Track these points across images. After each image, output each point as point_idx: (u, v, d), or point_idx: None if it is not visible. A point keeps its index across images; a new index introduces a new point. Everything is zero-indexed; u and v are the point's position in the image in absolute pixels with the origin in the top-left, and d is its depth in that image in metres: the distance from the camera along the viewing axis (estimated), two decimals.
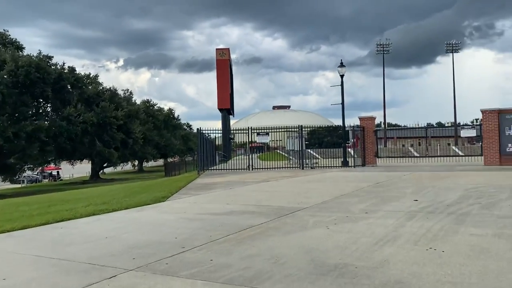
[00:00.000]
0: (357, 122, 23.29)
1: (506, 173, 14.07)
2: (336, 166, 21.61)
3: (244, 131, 22.22)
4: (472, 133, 20.12)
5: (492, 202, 7.67)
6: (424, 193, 9.42)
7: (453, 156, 24.85)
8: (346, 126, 23.52)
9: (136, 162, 67.13)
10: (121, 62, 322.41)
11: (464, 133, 20.17)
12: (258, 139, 22.26)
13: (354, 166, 21.50)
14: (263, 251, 4.88)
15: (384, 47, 75.61)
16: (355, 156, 22.58)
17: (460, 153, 40.69)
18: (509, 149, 18.26)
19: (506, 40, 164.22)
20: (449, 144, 60.52)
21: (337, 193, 10.02)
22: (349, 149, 25.92)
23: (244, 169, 21.63)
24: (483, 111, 18.86)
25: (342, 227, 6.07)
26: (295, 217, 6.99)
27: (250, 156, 22.64)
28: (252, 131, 22.03)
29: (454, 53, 72.61)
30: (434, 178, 13.26)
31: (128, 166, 65.98)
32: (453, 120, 73.99)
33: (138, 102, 60.24)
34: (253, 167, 21.80)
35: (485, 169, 16.31)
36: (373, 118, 23.42)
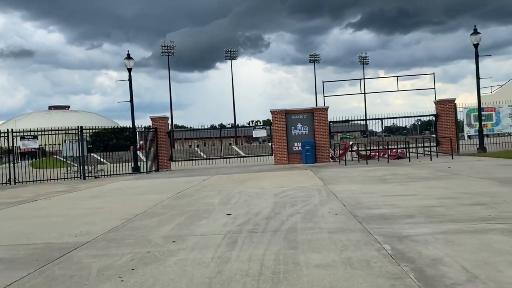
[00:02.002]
0: (146, 124, 21.41)
1: (299, 172, 14.52)
2: (126, 173, 19.18)
3: (4, 135, 17.50)
4: (263, 133, 20.83)
5: (311, 211, 6.96)
6: (234, 203, 8.25)
7: (238, 157, 25.53)
8: (136, 126, 21.27)
9: None
10: None
11: (256, 133, 20.69)
12: (23, 144, 17.88)
13: (147, 172, 19.54)
14: None
15: (169, 49, 75.60)
16: (147, 160, 20.61)
17: (241, 153, 43.30)
18: (295, 148, 19.43)
19: (272, 52, 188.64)
20: (230, 144, 64.54)
21: (130, 212, 7.93)
22: (139, 152, 23.78)
23: (4, 183, 16.99)
24: (272, 112, 19.58)
25: (144, 274, 4.12)
26: (69, 264, 4.66)
27: (14, 165, 17.98)
28: (15, 134, 17.53)
29: (232, 60, 77.99)
30: (236, 182, 12.52)
31: None
32: (233, 122, 79.47)
33: None
34: (18, 180, 17.37)
35: (278, 169, 16.73)
36: (165, 118, 21.94)
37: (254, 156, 22.80)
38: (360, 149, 18.96)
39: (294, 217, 6.52)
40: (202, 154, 50.91)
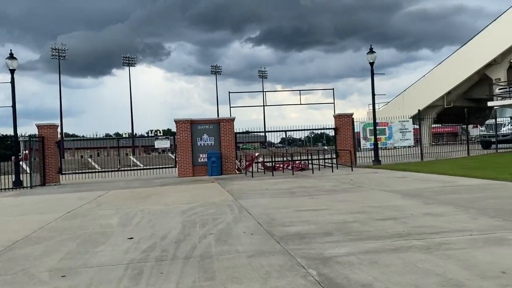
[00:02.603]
0: (34, 132, 19.13)
1: (206, 185, 13.92)
2: (6, 189, 16.79)
3: None
4: (166, 144, 19.86)
5: (225, 230, 6.44)
6: (136, 224, 7.40)
7: (138, 169, 24.22)
8: (19, 135, 18.83)
9: None
10: None
11: (158, 144, 19.66)
12: None
13: (31, 187, 17.34)
14: None
15: (60, 53, 69.88)
16: (32, 172, 18.35)
17: (140, 164, 41.33)
18: (200, 159, 18.81)
19: (173, 61, 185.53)
20: (127, 154, 61.56)
21: (8, 238, 6.67)
22: (22, 163, 21.17)
23: None
24: (177, 121, 18.78)
25: None
26: None
27: None
28: None
29: (130, 67, 74.57)
30: (137, 197, 11.52)
31: None
32: (130, 131, 75.87)
33: None
34: None
35: (183, 182, 15.93)
36: (55, 126, 19.82)
37: (155, 168, 21.52)
38: (265, 160, 19.00)
39: (207, 239, 5.95)
40: (96, 165, 47.61)
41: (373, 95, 20.31)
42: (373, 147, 20.35)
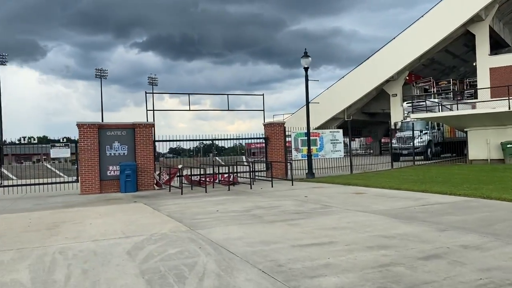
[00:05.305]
0: None
1: (131, 207, 11.18)
2: None
3: None
4: (66, 152, 16.31)
5: None
6: (65, 282, 4.82)
7: (23, 185, 20.17)
8: None
9: None
10: None
11: (55, 152, 16.00)
12: None
13: None
14: None
15: None
16: None
17: (11, 176, 35.40)
18: (110, 172, 15.78)
19: (49, 62, 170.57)
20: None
21: None
22: None
23: None
24: (80, 125, 15.53)
25: None
26: None
27: None
28: None
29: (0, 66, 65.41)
30: (42, 227, 8.49)
31: None
32: None
33: None
34: None
35: (92, 201, 12.89)
36: None
37: (41, 184, 17.42)
38: (192, 174, 16.62)
39: None
40: None
41: (307, 102, 19.24)
42: (305, 158, 19.22)
